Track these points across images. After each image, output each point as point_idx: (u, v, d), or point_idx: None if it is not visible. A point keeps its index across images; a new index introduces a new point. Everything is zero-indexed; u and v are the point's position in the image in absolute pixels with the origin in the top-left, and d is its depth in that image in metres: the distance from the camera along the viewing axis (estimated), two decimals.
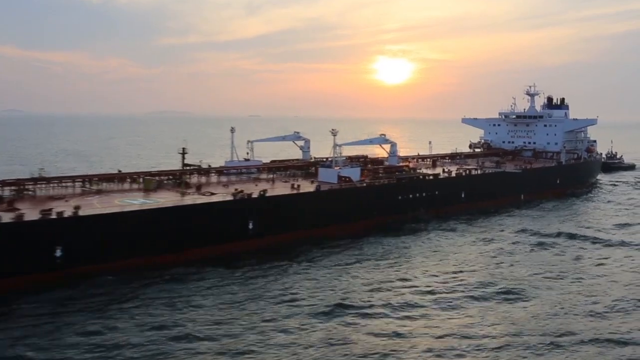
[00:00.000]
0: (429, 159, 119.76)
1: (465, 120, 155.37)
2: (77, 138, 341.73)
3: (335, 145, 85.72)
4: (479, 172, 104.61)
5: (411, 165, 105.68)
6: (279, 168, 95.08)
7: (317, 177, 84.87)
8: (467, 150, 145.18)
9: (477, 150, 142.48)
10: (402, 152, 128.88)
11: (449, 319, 47.47)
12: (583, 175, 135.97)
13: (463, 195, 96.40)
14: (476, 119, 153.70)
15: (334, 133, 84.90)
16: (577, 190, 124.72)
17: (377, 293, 53.07)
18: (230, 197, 67.16)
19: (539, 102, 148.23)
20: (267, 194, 69.32)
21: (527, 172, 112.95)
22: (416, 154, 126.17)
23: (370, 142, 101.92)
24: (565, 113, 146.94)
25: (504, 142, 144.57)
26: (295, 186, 76.90)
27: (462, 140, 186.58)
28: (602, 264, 66.00)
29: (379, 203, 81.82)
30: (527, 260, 67.27)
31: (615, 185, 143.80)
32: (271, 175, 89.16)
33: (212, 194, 70.00)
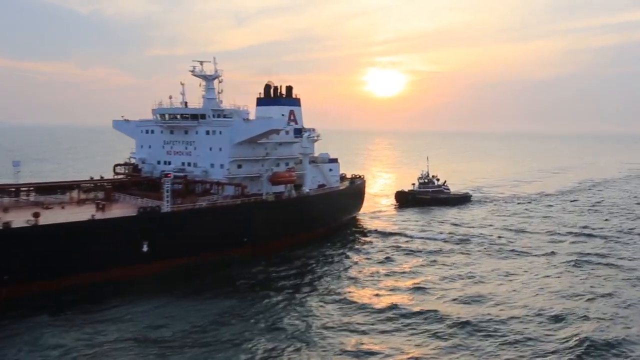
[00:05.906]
0: None
1: (117, 125, 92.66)
2: None
3: None
4: None
5: None
6: None
7: None
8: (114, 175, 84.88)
9: (121, 177, 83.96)
10: None
11: None
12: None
13: None
14: (128, 121, 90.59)
15: None
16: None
17: None
18: None
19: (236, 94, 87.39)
20: None
21: None
22: None
23: None
24: (291, 112, 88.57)
25: (159, 161, 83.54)
26: None
27: None
28: None
29: None
30: None
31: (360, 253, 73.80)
32: None
33: None
